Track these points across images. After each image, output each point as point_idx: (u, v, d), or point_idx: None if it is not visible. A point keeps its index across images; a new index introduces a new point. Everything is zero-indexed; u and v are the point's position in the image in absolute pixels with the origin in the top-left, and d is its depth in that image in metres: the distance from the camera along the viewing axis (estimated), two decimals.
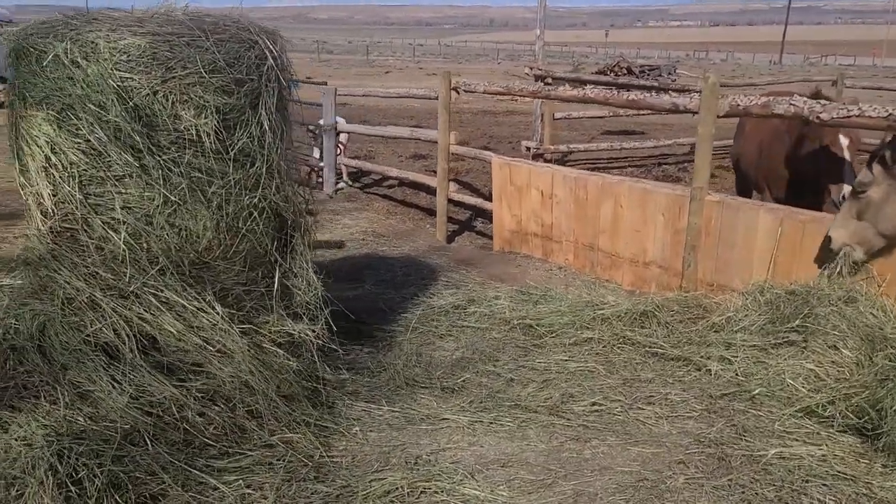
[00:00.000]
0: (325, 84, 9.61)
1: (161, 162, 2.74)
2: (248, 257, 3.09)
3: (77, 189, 2.70)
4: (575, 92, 5.82)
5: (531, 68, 10.73)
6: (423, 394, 3.62)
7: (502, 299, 4.83)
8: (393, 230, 7.36)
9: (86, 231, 2.73)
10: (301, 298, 3.26)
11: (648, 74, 29.12)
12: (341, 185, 9.87)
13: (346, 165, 10.03)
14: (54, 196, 2.73)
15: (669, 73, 30.63)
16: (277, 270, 3.20)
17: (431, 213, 8.29)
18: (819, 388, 3.47)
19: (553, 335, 4.31)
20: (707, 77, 4.73)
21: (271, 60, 3.02)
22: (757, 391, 3.55)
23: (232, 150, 2.88)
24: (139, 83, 2.68)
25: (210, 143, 2.79)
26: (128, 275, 2.70)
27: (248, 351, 2.93)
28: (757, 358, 3.83)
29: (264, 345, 3.03)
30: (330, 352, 3.77)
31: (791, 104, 4.24)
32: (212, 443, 2.77)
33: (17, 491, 2.29)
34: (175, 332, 2.75)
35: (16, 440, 2.41)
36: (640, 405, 3.52)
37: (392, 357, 3.99)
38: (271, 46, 3.06)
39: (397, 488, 2.76)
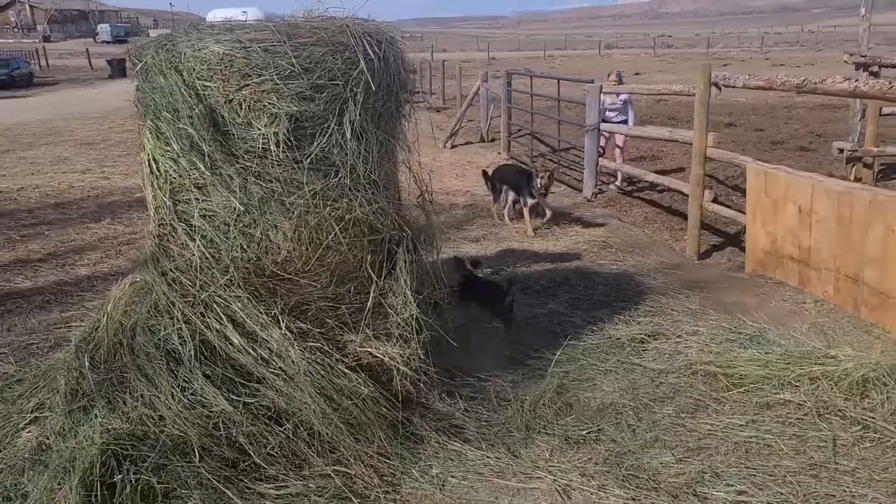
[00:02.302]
0: (592, 82, 9.09)
1: (237, 171, 2.72)
2: (335, 272, 2.94)
3: (168, 196, 2.80)
4: (845, 85, 4.59)
5: (851, 55, 8.90)
6: (539, 441, 3.12)
7: (697, 336, 4.01)
8: (628, 241, 6.65)
9: (172, 237, 2.83)
10: (394, 319, 3.01)
11: None
12: (612, 186, 9.33)
13: (616, 168, 9.42)
14: (154, 201, 2.87)
15: None
16: (372, 288, 2.99)
17: (703, 225, 7.36)
18: None
19: (741, 390, 3.43)
20: None
21: (363, 65, 2.81)
22: None
23: (306, 159, 2.74)
24: (215, 91, 2.68)
25: (279, 151, 2.68)
26: (197, 283, 2.72)
27: (317, 371, 2.77)
28: None
29: (338, 366, 2.85)
30: (446, 379, 3.48)
31: None
32: (263, 465, 2.67)
33: (56, 483, 2.44)
34: (236, 345, 2.71)
35: (75, 436, 2.57)
36: None
37: (527, 391, 3.52)
38: (370, 50, 2.84)
39: None
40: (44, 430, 2.85)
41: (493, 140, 13.68)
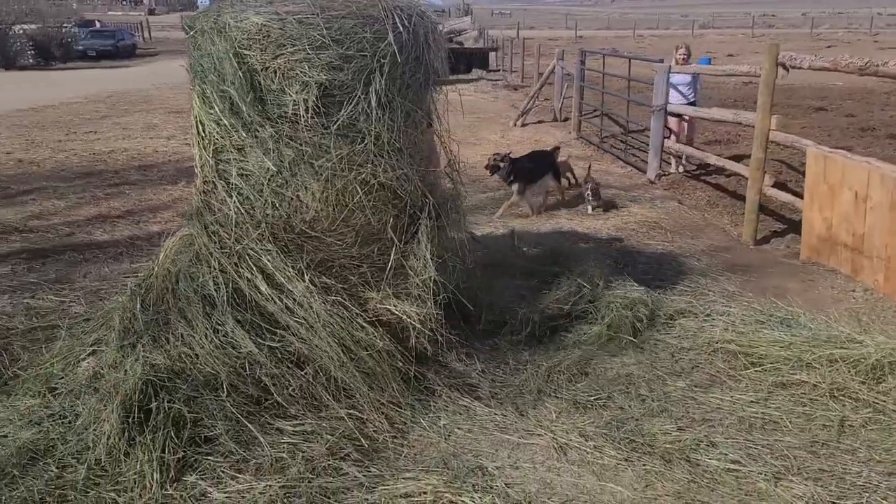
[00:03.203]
0: (661, 62, 8.94)
1: (272, 134, 2.95)
2: (359, 232, 3.14)
3: (211, 155, 3.07)
4: None
5: None
6: (548, 403, 3.26)
7: (726, 316, 4.03)
8: (682, 224, 6.60)
9: (214, 194, 3.09)
10: (413, 280, 3.20)
11: None
12: (679, 168, 9.16)
13: (679, 151, 9.27)
14: (200, 160, 3.14)
15: None
16: (393, 250, 3.19)
17: (767, 210, 7.22)
18: None
19: (758, 369, 3.46)
20: None
21: (391, 37, 2.98)
22: None
23: (334, 125, 2.94)
24: (253, 59, 2.91)
25: (308, 117, 2.89)
26: (232, 236, 2.98)
27: (337, 323, 3.00)
28: None
29: (357, 320, 3.06)
30: (465, 341, 3.64)
31: None
32: (284, 404, 2.93)
33: (102, 406, 2.76)
34: (265, 294, 2.96)
35: (118, 368, 2.89)
36: (799, 479, 2.64)
37: (545, 358, 3.65)
38: (399, 23, 3.01)
39: (421, 493, 2.57)
40: (100, 361, 3.19)
41: (566, 119, 13.61)
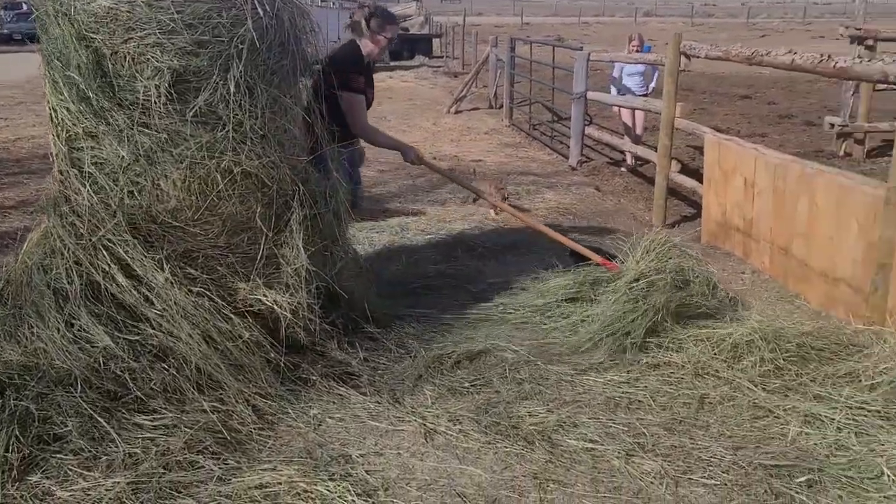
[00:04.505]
0: (581, 49, 9.02)
1: (125, 121, 2.87)
2: (226, 222, 3.08)
3: (64, 143, 2.97)
4: (785, 58, 4.55)
5: (847, 28, 8.70)
6: (426, 390, 3.26)
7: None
8: (594, 210, 6.70)
9: (68, 183, 3.00)
10: (285, 270, 3.16)
11: None
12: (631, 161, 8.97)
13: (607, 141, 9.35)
14: (54, 148, 3.04)
15: None
16: (262, 239, 3.14)
17: (678, 196, 7.37)
18: None
19: (635, 350, 3.51)
20: None
21: (250, 23, 2.92)
22: (815, 470, 2.46)
23: (190, 111, 2.88)
24: (101, 43, 2.82)
25: (162, 104, 2.82)
26: (86, 227, 2.90)
27: (200, 314, 2.94)
28: (867, 428, 2.65)
29: (223, 311, 3.01)
30: (358, 331, 3.63)
31: None
32: (144, 398, 2.86)
33: None
34: (122, 286, 2.89)
35: None
36: (651, 455, 2.70)
37: (435, 345, 3.65)
38: (258, 8, 2.95)
39: (276, 483, 2.55)
40: None
41: (500, 107, 13.66)
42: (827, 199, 4.06)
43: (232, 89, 2.90)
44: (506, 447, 2.78)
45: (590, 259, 4.20)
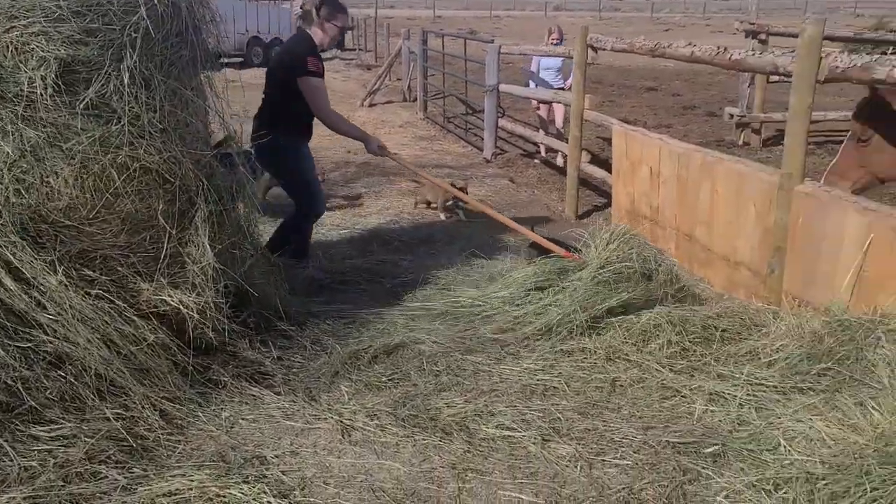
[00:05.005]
0: (492, 42, 9.11)
1: (10, 115, 2.69)
2: (126, 220, 2.94)
3: None
4: (685, 50, 4.72)
5: (741, 22, 9.11)
6: (343, 386, 3.21)
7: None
8: (509, 201, 6.79)
9: None
10: (191, 268, 3.04)
11: None
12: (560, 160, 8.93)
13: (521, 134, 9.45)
14: None
15: None
16: (166, 237, 3.01)
17: (590, 186, 7.52)
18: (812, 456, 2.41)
19: (549, 338, 3.57)
20: (804, 28, 3.46)
21: (143, 10, 2.79)
22: (719, 445, 2.57)
23: (81, 104, 2.73)
24: None
25: (49, 96, 2.66)
26: None
27: (100, 318, 2.80)
28: (766, 403, 2.79)
29: (125, 313, 2.88)
30: (271, 329, 3.55)
31: (895, 66, 2.94)
32: (39, 408, 2.70)
33: None
34: (11, 290, 2.71)
35: None
36: (566, 439, 2.75)
37: (351, 341, 3.60)
38: None
39: (187, 490, 2.45)
40: None
41: (415, 100, 13.64)
42: (727, 186, 4.23)
43: (126, 81, 2.77)
44: (424, 439, 2.78)
45: (552, 251, 4.20)
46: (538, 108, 8.97)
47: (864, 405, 2.55)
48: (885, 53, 3.59)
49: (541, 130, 8.91)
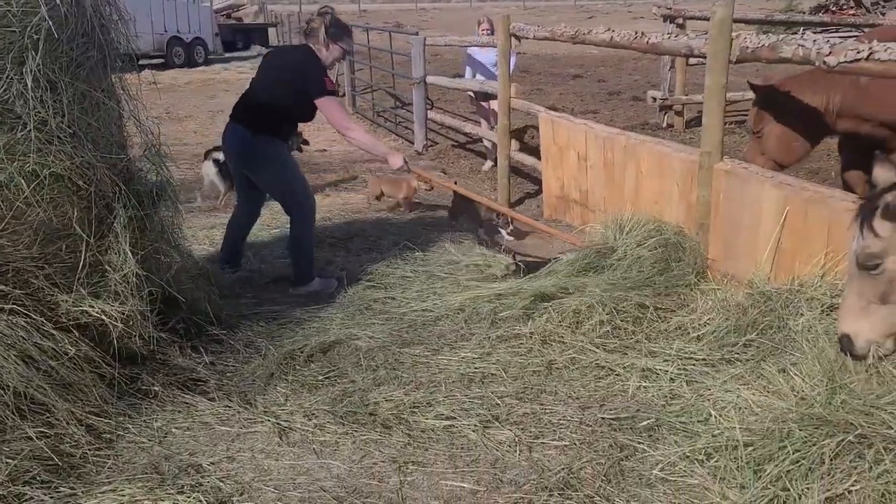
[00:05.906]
0: (417, 34, 9.09)
1: None
2: (38, 230, 2.82)
3: None
4: (605, 36, 4.80)
5: (659, 7, 9.34)
6: (279, 388, 3.16)
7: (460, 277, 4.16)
8: (442, 192, 6.77)
9: None
10: (112, 277, 2.94)
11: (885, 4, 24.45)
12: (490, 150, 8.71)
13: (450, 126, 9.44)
14: None
15: None
16: (83, 246, 2.90)
17: (522, 174, 7.58)
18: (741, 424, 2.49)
19: (487, 325, 3.59)
20: (714, 11, 3.57)
21: (44, 11, 2.67)
22: (653, 420, 2.64)
23: None
24: None
25: None
26: None
27: (15, 333, 2.67)
28: (696, 376, 2.88)
29: (43, 327, 2.76)
30: (202, 334, 3.46)
31: (800, 45, 3.06)
32: None
33: None
34: None
35: None
36: (506, 424, 2.77)
37: (283, 342, 3.54)
38: None
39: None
40: None
41: (343, 95, 13.47)
42: (650, 166, 4.34)
43: (30, 84, 2.64)
44: (363, 435, 2.76)
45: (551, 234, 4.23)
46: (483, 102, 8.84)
47: (786, 372, 2.65)
48: (796, 34, 3.74)
49: (482, 122, 8.80)
